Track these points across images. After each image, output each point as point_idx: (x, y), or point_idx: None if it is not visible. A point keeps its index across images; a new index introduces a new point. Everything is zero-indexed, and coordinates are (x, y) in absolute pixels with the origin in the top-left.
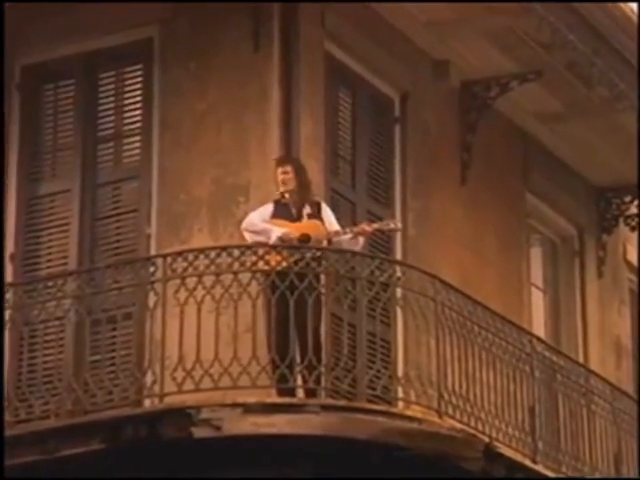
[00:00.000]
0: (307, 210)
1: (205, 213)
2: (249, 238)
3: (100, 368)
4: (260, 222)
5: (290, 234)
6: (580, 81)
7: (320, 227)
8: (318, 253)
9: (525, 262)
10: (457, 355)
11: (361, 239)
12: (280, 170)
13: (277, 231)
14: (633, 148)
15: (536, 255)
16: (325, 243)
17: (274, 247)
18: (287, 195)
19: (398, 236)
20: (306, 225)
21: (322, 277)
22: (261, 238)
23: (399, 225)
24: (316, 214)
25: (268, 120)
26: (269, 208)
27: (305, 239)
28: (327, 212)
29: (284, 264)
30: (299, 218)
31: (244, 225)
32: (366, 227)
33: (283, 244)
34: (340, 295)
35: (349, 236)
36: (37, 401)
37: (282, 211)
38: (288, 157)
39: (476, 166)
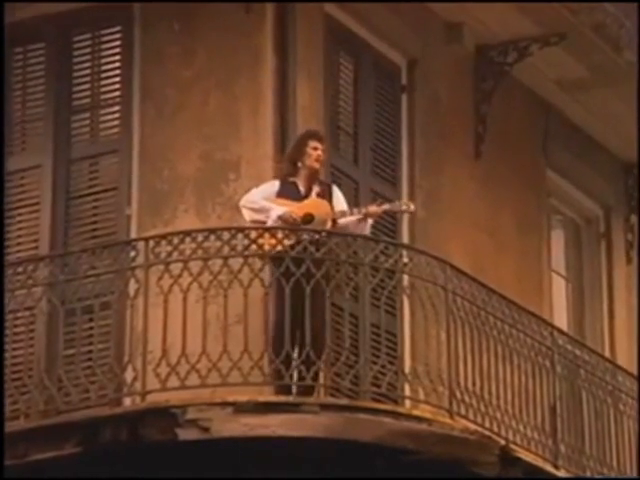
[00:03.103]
0: (316, 190)
1: (191, 192)
2: (247, 216)
3: (75, 363)
4: (260, 200)
5: (292, 213)
6: (607, 45)
7: (325, 206)
8: (316, 236)
9: (545, 246)
10: (470, 349)
11: (369, 222)
12: (314, 144)
13: (278, 210)
14: None
15: (558, 238)
16: (329, 224)
17: (267, 229)
18: (303, 172)
19: (405, 217)
20: (310, 204)
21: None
22: (260, 217)
23: (412, 207)
24: (326, 197)
25: (261, 89)
26: (275, 185)
27: (308, 219)
28: (338, 196)
29: (279, 248)
30: (307, 198)
31: (242, 202)
32: (375, 208)
33: (278, 226)
34: (341, 282)
35: (356, 217)
36: (5, 400)
37: (289, 190)
38: (323, 134)
39: (492, 139)
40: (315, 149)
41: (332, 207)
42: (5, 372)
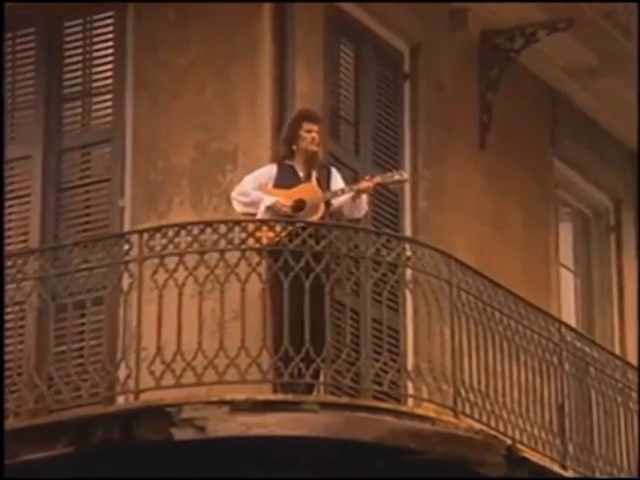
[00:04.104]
0: (315, 175)
1: (187, 183)
2: (237, 209)
3: (66, 360)
4: (252, 190)
5: (281, 202)
6: (617, 31)
7: (316, 190)
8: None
9: (553, 239)
10: (475, 346)
11: (364, 199)
12: (308, 127)
13: (266, 201)
14: None
15: (566, 231)
16: (322, 207)
17: (265, 221)
18: (299, 155)
19: (408, 210)
20: (299, 190)
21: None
22: (251, 210)
23: (405, 175)
24: (324, 181)
25: (259, 77)
26: (272, 171)
27: (299, 205)
28: (337, 178)
29: (277, 240)
30: (306, 182)
31: (233, 193)
32: (367, 183)
33: (275, 218)
34: (342, 277)
35: (349, 195)
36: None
37: (287, 174)
38: (317, 114)
39: (497, 129)
40: (309, 132)
41: (324, 189)
42: None
